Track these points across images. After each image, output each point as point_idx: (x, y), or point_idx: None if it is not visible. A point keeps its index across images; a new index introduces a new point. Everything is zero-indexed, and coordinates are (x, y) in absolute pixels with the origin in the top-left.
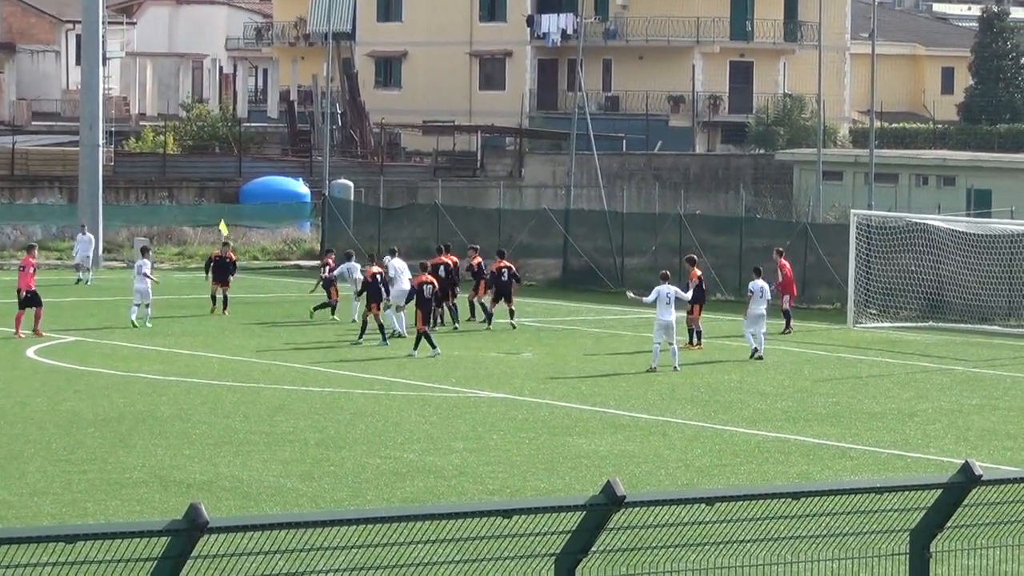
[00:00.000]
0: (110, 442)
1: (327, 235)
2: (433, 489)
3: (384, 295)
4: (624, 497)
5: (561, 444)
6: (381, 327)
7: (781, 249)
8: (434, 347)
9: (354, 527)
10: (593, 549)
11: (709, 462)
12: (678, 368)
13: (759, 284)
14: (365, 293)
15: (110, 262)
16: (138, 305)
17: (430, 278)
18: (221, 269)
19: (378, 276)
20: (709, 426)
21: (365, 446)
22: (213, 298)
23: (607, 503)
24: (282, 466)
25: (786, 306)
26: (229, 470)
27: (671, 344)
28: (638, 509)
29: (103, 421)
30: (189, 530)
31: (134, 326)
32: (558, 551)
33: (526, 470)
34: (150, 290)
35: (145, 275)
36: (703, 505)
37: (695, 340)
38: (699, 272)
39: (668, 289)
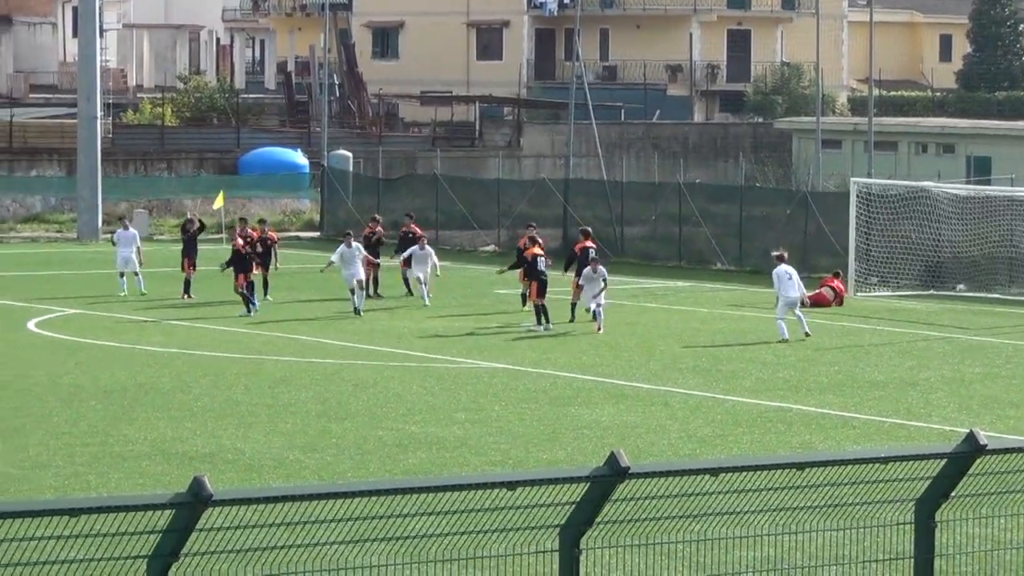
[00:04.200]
0: (112, 415)
1: (326, 206)
2: (436, 460)
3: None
4: (628, 468)
5: (563, 415)
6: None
7: (840, 272)
8: (547, 322)
9: (357, 499)
10: (597, 520)
11: (711, 432)
12: (810, 334)
13: (784, 269)
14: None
15: (109, 234)
16: (123, 274)
17: (541, 251)
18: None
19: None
20: (711, 396)
21: (367, 418)
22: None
23: (611, 474)
24: (285, 438)
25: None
26: (231, 442)
27: (797, 314)
28: (642, 480)
29: (105, 394)
30: (193, 503)
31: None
32: (562, 522)
33: (529, 441)
34: (135, 258)
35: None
36: (707, 476)
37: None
38: (589, 244)
39: (786, 269)
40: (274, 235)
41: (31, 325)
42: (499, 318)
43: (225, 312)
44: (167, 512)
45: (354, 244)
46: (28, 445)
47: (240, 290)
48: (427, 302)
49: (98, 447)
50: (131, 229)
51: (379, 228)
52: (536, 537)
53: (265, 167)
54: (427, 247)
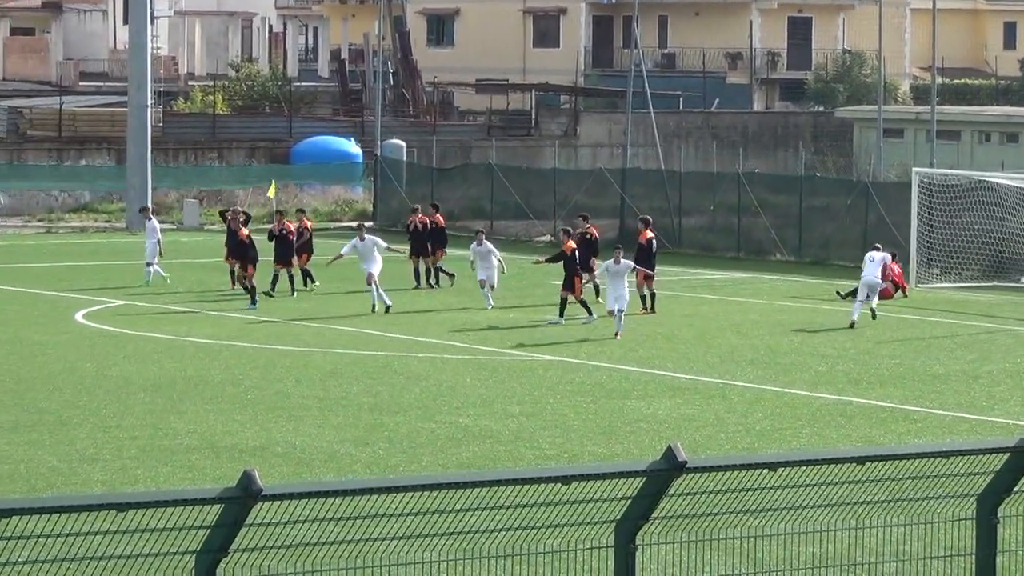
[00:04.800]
0: (161, 408)
1: (379, 196)
2: (489, 454)
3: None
4: (685, 462)
5: (619, 408)
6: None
7: (895, 252)
8: (590, 313)
9: (409, 494)
10: (654, 515)
11: (770, 426)
12: (877, 316)
13: (871, 254)
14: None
15: (160, 225)
16: (150, 264)
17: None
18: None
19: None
20: (770, 389)
21: (420, 411)
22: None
23: (668, 468)
24: (335, 431)
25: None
26: (282, 436)
27: (871, 298)
28: (699, 474)
29: (153, 386)
30: (243, 497)
31: (148, 284)
32: (618, 517)
33: (583, 435)
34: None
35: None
36: (766, 470)
37: (647, 305)
38: (650, 234)
39: (871, 254)
40: (307, 223)
41: (79, 317)
42: (554, 310)
43: (275, 305)
44: (216, 507)
45: (368, 237)
46: (76, 438)
47: (247, 281)
48: (490, 304)
49: (146, 440)
50: (152, 220)
51: (438, 215)
52: (591, 533)
53: (318, 156)
54: (485, 242)
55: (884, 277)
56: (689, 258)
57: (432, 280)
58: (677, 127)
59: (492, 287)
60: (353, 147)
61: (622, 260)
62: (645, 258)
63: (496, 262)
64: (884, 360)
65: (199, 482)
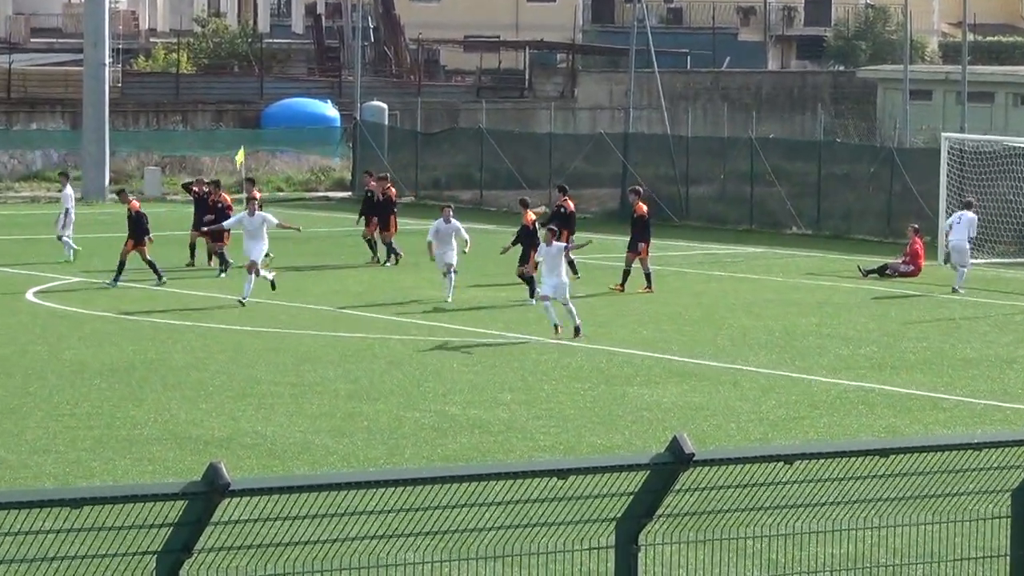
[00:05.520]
0: (118, 395)
1: (359, 163)
2: (478, 446)
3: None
4: (693, 455)
5: (620, 395)
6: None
7: (917, 226)
8: (531, 295)
9: (390, 489)
10: (658, 513)
11: (785, 415)
12: (959, 291)
13: (958, 212)
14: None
15: (120, 195)
16: (61, 237)
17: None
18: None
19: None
20: (785, 374)
21: (402, 398)
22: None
23: (673, 461)
24: (310, 421)
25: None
26: (251, 425)
27: (962, 267)
28: (708, 468)
29: (110, 371)
30: (208, 493)
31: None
32: (619, 515)
33: (581, 425)
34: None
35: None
36: (780, 463)
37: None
38: (644, 207)
39: (959, 212)
40: (225, 197)
41: (30, 295)
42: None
43: (244, 282)
44: (179, 503)
45: (258, 213)
46: (26, 428)
47: (218, 249)
48: (450, 298)
49: (103, 430)
50: (68, 187)
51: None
52: (590, 532)
53: (291, 120)
54: (453, 220)
55: (907, 252)
56: (697, 231)
57: (390, 258)
58: (684, 88)
59: (455, 273)
60: (330, 110)
61: (554, 242)
62: (643, 232)
63: (463, 241)
64: (911, 343)
65: (160, 476)
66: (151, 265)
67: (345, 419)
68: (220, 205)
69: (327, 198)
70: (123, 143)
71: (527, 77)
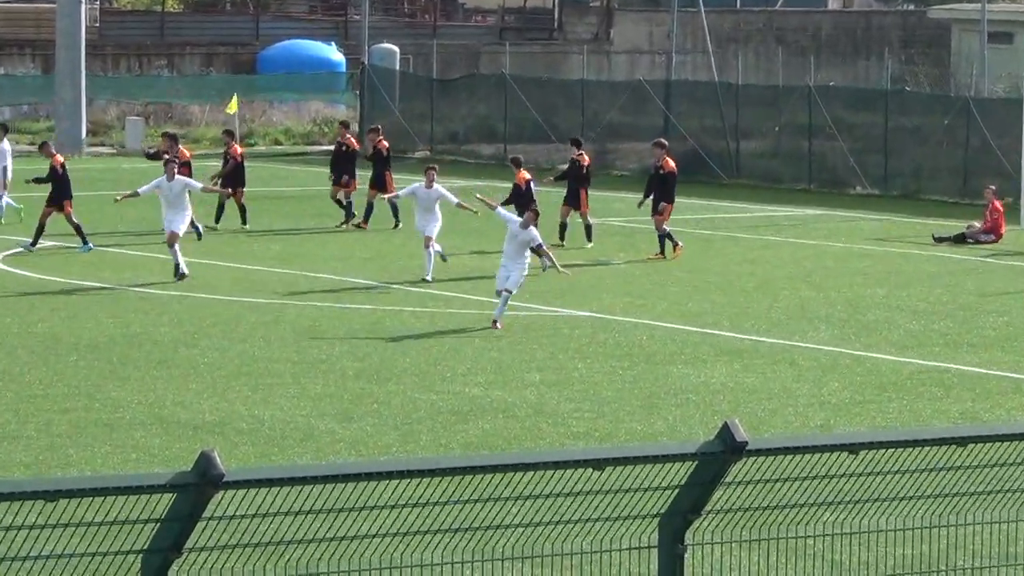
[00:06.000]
0: (97, 373)
1: (367, 113)
2: (502, 432)
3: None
4: (745, 443)
5: (663, 375)
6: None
7: (994, 187)
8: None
9: (404, 480)
10: (706, 508)
11: (849, 398)
12: None
13: None
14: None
15: (97, 147)
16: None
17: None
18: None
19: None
20: (849, 352)
21: (417, 378)
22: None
23: (723, 450)
24: (313, 403)
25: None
26: (247, 408)
27: None
28: (762, 458)
29: (88, 346)
30: (200, 484)
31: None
32: (663, 511)
33: (619, 408)
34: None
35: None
36: (843, 453)
37: (674, 246)
38: (672, 163)
39: None
40: (185, 153)
41: None
42: (583, 254)
43: (239, 247)
44: (167, 496)
45: (178, 178)
46: None
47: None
48: (429, 277)
49: (80, 413)
50: (3, 142)
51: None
52: (630, 530)
53: (291, 64)
54: (436, 185)
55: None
56: (748, 191)
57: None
58: (733, 30)
59: (436, 248)
60: (334, 53)
61: (531, 227)
62: (669, 191)
63: (448, 201)
64: (990, 318)
65: (146, 465)
66: (77, 229)
67: (353, 401)
68: (230, 158)
69: (327, 152)
70: (101, 90)
71: (556, 17)
